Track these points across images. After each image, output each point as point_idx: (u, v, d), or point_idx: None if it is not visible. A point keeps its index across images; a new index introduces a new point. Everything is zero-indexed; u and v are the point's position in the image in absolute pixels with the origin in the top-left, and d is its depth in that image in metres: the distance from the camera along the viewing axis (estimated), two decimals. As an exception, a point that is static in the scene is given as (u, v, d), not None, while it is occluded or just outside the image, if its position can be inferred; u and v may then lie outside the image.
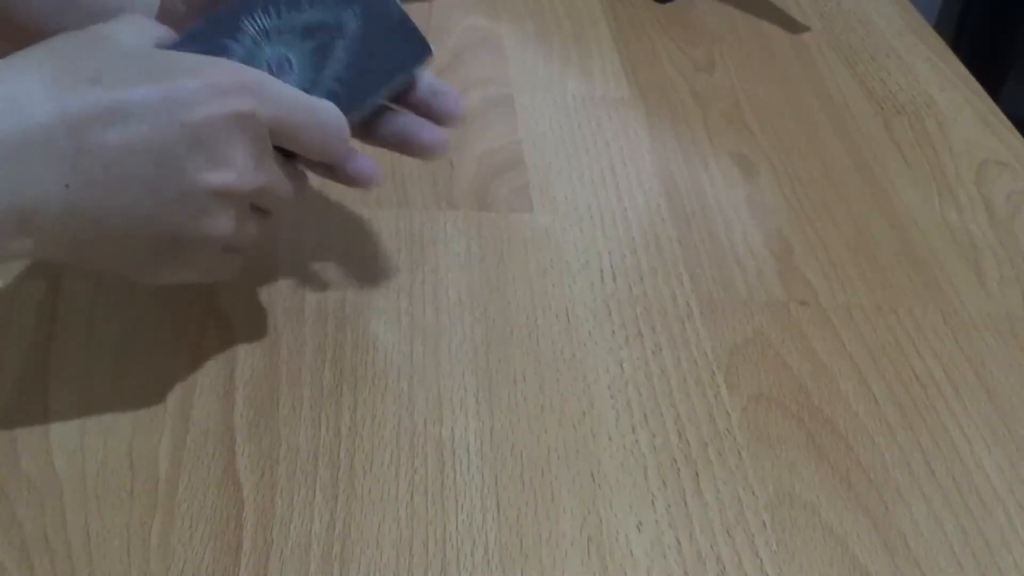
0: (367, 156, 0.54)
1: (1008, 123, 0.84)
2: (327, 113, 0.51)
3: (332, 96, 0.51)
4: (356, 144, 0.54)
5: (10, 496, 0.49)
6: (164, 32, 0.50)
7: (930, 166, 0.78)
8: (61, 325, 0.57)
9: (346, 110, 0.51)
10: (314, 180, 0.55)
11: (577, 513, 0.51)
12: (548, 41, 0.88)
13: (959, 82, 0.88)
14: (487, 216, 0.68)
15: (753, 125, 0.80)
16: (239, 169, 0.47)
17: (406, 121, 0.56)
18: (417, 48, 0.54)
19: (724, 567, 0.49)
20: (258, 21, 0.51)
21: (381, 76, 0.53)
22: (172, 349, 0.56)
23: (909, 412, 0.58)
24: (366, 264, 0.63)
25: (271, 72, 0.50)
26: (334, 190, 0.68)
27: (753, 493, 0.53)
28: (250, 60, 0.50)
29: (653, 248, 0.67)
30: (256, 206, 0.50)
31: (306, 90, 0.50)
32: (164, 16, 0.53)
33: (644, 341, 0.60)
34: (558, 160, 0.74)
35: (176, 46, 0.49)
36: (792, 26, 0.94)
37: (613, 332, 0.61)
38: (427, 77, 0.56)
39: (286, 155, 0.51)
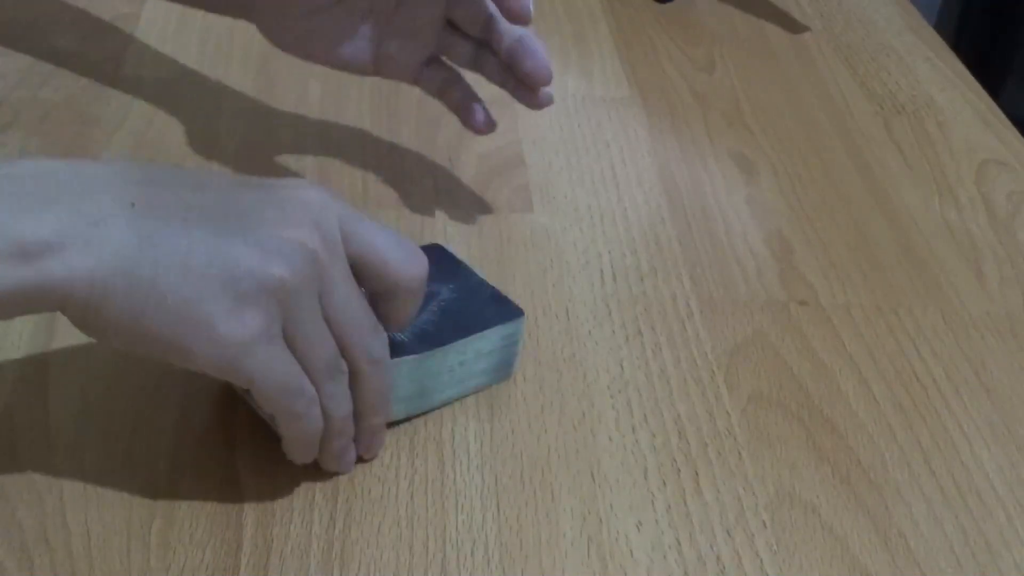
0: None
1: (1008, 123, 0.84)
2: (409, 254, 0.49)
3: (421, 333, 0.52)
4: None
5: (10, 496, 0.49)
6: None
7: (930, 166, 0.78)
8: (61, 325, 0.57)
9: (429, 347, 0.52)
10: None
11: (577, 513, 0.51)
12: (548, 41, 0.88)
13: (959, 82, 0.88)
14: (487, 216, 0.68)
15: (753, 125, 0.80)
16: (309, 231, 0.46)
17: (465, 96, 0.66)
18: (508, 311, 0.55)
19: (724, 567, 0.49)
20: None
21: (471, 328, 0.53)
22: (172, 349, 0.56)
23: (909, 412, 0.58)
24: (366, 264, 0.63)
25: None
26: (332, 188, 0.68)
27: (753, 493, 0.53)
28: None
29: (653, 248, 0.67)
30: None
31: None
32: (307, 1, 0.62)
33: (644, 341, 0.60)
34: (558, 160, 0.74)
35: None
36: (792, 26, 0.94)
37: (613, 332, 0.61)
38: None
39: None
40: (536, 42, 0.62)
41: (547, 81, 0.63)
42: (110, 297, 0.43)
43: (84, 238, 0.42)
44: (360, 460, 0.51)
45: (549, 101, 0.64)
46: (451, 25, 0.65)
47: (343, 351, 0.47)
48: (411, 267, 0.48)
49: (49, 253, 0.42)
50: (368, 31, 0.65)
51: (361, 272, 0.47)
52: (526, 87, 0.63)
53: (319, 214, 0.46)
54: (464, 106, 0.66)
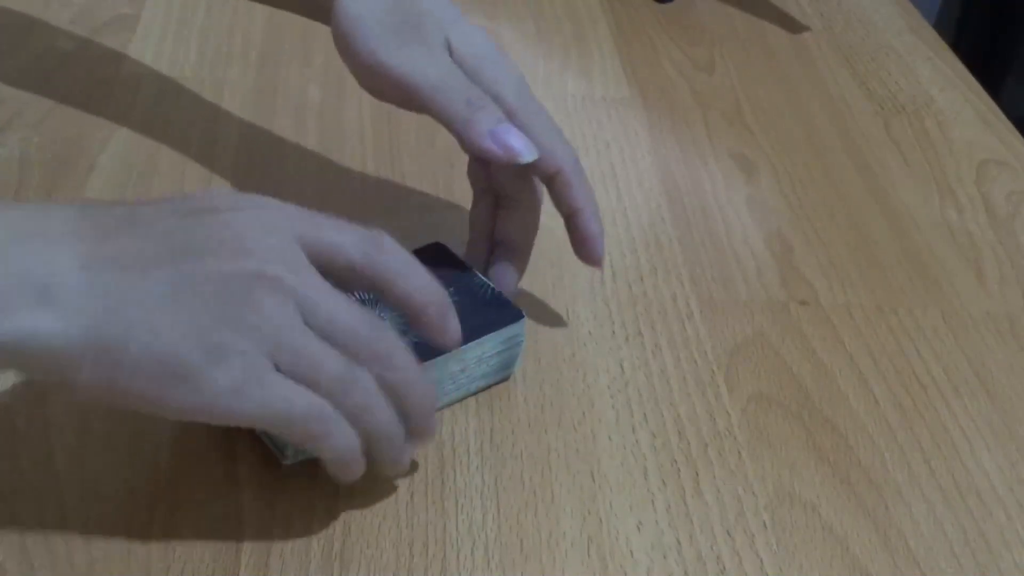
0: None
1: (1008, 123, 0.84)
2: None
3: (420, 341, 0.49)
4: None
5: (10, 496, 0.49)
6: None
7: (930, 166, 0.78)
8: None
9: (430, 355, 0.51)
10: (312, 185, 0.55)
11: (577, 513, 0.51)
12: (548, 41, 0.88)
13: (959, 82, 0.88)
14: (487, 216, 0.68)
15: (753, 125, 0.80)
16: (267, 259, 0.43)
17: (500, 267, 0.60)
18: (508, 313, 0.55)
19: (724, 567, 0.49)
20: (360, 294, 0.50)
21: (472, 334, 0.52)
22: (172, 349, 0.56)
23: (909, 412, 0.58)
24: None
25: None
26: (332, 190, 0.68)
27: (753, 493, 0.53)
28: None
29: (653, 248, 0.67)
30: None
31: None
32: None
33: (644, 341, 0.60)
34: (558, 160, 0.74)
35: None
36: (792, 26, 0.94)
37: (613, 332, 0.61)
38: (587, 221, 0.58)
39: None
40: (593, 225, 0.58)
41: (596, 264, 0.59)
42: (78, 363, 0.41)
43: (36, 296, 0.40)
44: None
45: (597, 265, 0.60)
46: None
47: (353, 360, 0.45)
48: (370, 256, 0.46)
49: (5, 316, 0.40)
50: None
51: (335, 276, 0.46)
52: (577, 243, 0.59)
53: (274, 236, 0.44)
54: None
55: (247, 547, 0.48)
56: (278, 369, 0.43)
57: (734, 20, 0.94)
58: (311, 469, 0.51)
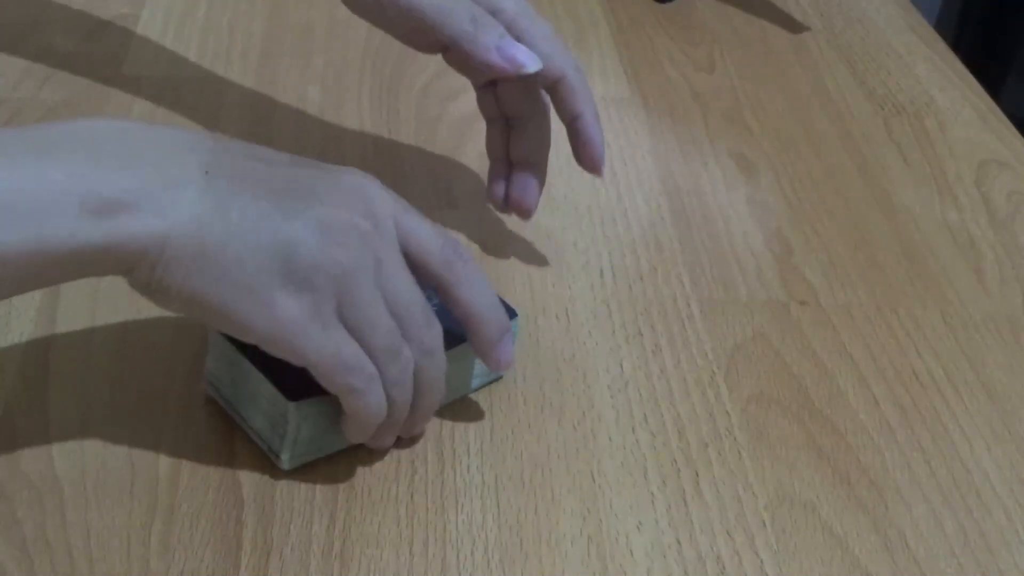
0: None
1: (1008, 123, 0.84)
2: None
3: None
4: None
5: (10, 496, 0.49)
6: None
7: (930, 166, 0.78)
8: (61, 326, 0.57)
9: None
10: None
11: (577, 513, 0.51)
12: (548, 41, 0.87)
13: (959, 82, 0.88)
14: (487, 216, 0.68)
15: (753, 125, 0.80)
16: (366, 216, 0.47)
17: (521, 181, 0.64)
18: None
19: (724, 567, 0.49)
20: None
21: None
22: (172, 349, 0.56)
23: (909, 412, 0.58)
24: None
25: None
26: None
27: (753, 493, 0.53)
28: None
29: (653, 248, 0.67)
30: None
31: None
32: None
33: (644, 341, 0.60)
34: (558, 160, 0.74)
35: None
36: (792, 26, 0.94)
37: (613, 332, 0.61)
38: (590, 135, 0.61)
39: None
40: (594, 129, 0.61)
41: (596, 169, 0.62)
42: (179, 260, 0.43)
43: (160, 199, 0.43)
44: (398, 441, 0.52)
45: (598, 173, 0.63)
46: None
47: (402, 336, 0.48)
48: (450, 260, 0.49)
49: (126, 211, 0.42)
50: None
51: (409, 265, 0.48)
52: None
53: (375, 201, 0.47)
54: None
55: (247, 547, 0.48)
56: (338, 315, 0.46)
57: (734, 20, 0.94)
58: (311, 469, 0.51)
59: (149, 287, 0.44)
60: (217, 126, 0.73)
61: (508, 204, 0.64)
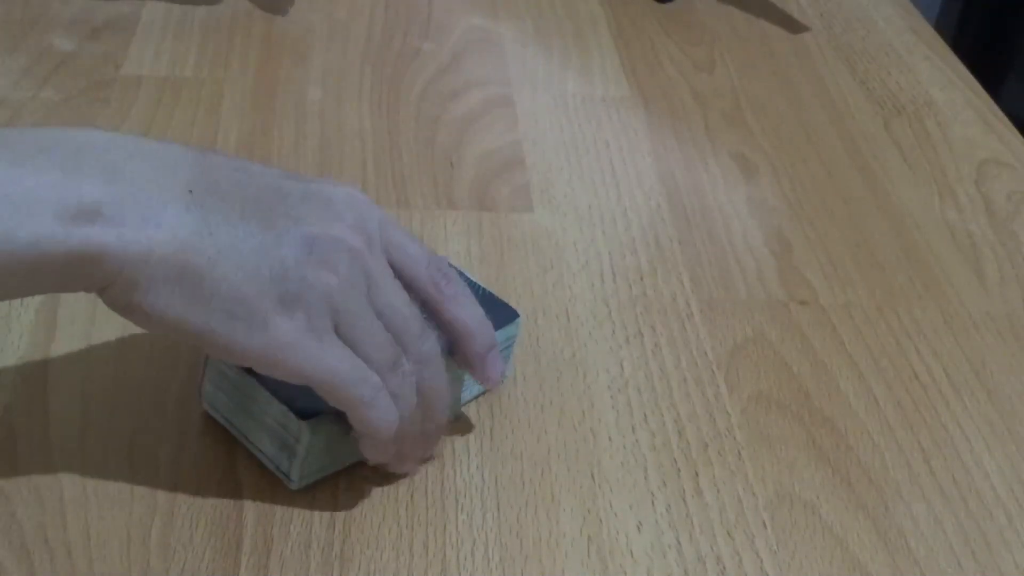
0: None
1: (1008, 123, 0.84)
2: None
3: None
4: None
5: (10, 496, 0.49)
6: None
7: (930, 166, 0.78)
8: (61, 326, 0.57)
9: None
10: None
11: (577, 513, 0.51)
12: (548, 41, 0.88)
13: (959, 82, 0.88)
14: (487, 216, 0.68)
15: (753, 125, 0.80)
16: (353, 230, 0.46)
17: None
18: (504, 313, 0.55)
19: (724, 567, 0.49)
20: None
21: None
22: (172, 349, 0.56)
23: (909, 412, 0.58)
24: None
25: None
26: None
27: (753, 493, 0.53)
28: None
29: (653, 248, 0.67)
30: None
31: None
32: None
33: (644, 341, 0.60)
34: (558, 160, 0.74)
35: None
36: (792, 26, 0.94)
37: (613, 332, 0.61)
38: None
39: None
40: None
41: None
42: (162, 280, 0.42)
43: (142, 214, 0.42)
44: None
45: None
46: None
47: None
48: (436, 277, 0.49)
49: (104, 220, 0.41)
50: None
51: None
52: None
53: (363, 216, 0.47)
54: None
55: (247, 547, 0.48)
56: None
57: (734, 20, 0.94)
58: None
59: (128, 308, 0.43)
60: (217, 126, 0.73)
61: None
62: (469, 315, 0.50)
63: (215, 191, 0.44)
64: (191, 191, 0.44)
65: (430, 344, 0.48)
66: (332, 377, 0.45)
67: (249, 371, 0.50)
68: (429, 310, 0.49)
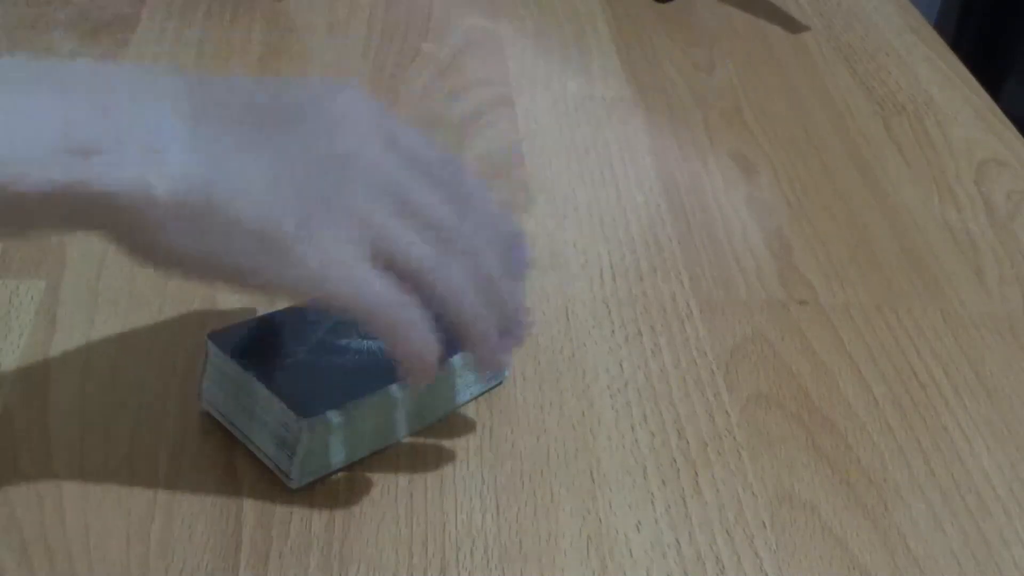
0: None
1: (1008, 123, 0.84)
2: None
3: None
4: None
5: (10, 496, 0.49)
6: None
7: (930, 166, 0.78)
8: (61, 326, 0.57)
9: None
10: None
11: (577, 513, 0.51)
12: (548, 41, 0.88)
13: (959, 82, 0.88)
14: (487, 216, 0.68)
15: (753, 125, 0.80)
16: (368, 140, 0.44)
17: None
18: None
19: (724, 567, 0.49)
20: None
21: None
22: (172, 349, 0.56)
23: (909, 412, 0.58)
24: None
25: None
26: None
27: (753, 493, 0.53)
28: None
29: (653, 248, 0.67)
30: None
31: None
32: None
33: (644, 341, 0.60)
34: (558, 160, 0.74)
35: None
36: (792, 26, 0.94)
37: (613, 332, 0.61)
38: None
39: None
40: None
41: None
42: (175, 219, 0.40)
43: (143, 146, 0.40)
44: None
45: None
46: None
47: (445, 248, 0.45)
48: (449, 175, 0.47)
49: (104, 154, 0.39)
50: None
51: None
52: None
53: (368, 121, 0.45)
54: None
55: (247, 547, 0.48)
56: (369, 255, 0.43)
57: (734, 20, 0.94)
58: (311, 469, 0.51)
59: (135, 245, 0.41)
60: (217, 126, 0.73)
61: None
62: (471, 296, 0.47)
63: (217, 119, 0.42)
64: (194, 125, 0.42)
65: (479, 236, 0.46)
66: (363, 302, 0.43)
67: (249, 369, 0.50)
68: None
